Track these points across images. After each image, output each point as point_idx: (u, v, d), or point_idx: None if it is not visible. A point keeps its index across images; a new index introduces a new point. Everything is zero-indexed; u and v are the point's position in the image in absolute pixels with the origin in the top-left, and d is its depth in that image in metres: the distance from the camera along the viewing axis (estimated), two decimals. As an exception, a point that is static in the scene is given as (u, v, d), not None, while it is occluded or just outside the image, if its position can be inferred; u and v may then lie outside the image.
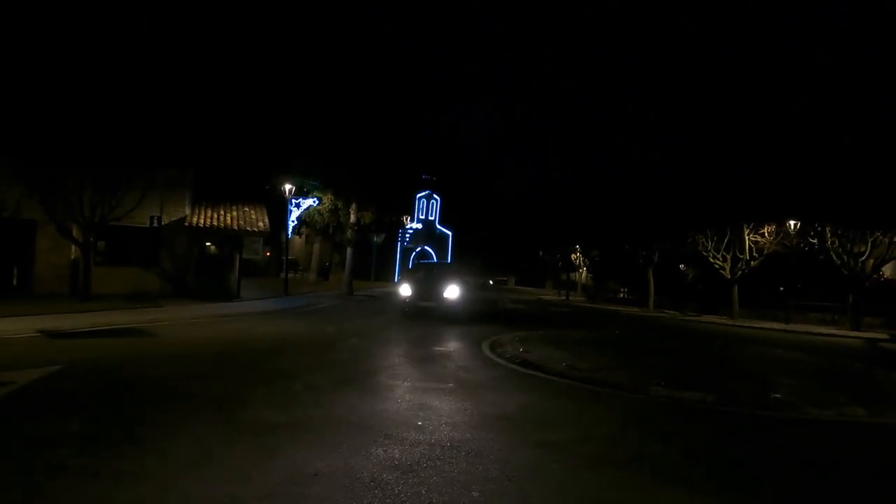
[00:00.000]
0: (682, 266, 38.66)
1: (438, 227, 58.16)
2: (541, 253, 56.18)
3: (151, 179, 19.03)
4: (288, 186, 25.51)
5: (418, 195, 56.15)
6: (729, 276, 28.47)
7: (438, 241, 57.94)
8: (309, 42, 31.47)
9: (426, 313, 16.61)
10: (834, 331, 23.04)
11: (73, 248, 18.14)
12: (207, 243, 21.96)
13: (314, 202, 28.56)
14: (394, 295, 21.04)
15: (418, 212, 56.46)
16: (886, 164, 22.85)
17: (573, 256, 48.87)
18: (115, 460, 4.67)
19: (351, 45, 32.69)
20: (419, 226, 55.88)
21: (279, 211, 26.47)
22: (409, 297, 17.10)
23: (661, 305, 34.74)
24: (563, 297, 46.08)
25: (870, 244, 23.44)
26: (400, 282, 18.00)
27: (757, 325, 24.61)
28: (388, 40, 51.86)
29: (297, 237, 38.73)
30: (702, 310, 32.30)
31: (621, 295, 44.82)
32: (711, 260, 29.52)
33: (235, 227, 21.53)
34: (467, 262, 55.04)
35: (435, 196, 57.56)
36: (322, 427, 5.81)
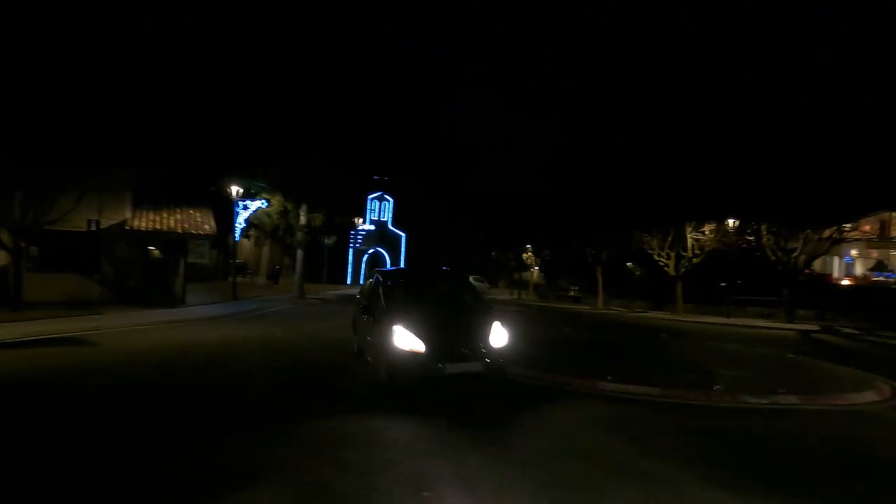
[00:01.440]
0: (629, 264, 39.76)
1: (391, 228, 57.96)
2: (494, 253, 56.80)
3: (89, 181, 18.16)
4: (235, 188, 24.89)
5: (370, 196, 55.83)
6: (673, 273, 29.49)
7: (391, 243, 57.74)
8: (257, 37, 30.81)
9: (458, 380, 7.98)
10: (770, 323, 24.17)
11: (2, 253, 17.15)
12: (150, 247, 21.18)
13: (263, 204, 27.94)
14: (333, 302, 20.02)
15: (370, 213, 56.13)
16: (815, 165, 24.13)
17: (525, 256, 49.59)
18: (42, 480, 4.45)
19: (306, 41, 32.17)
20: (371, 227, 55.52)
21: (226, 213, 25.77)
22: (423, 355, 7.62)
23: (610, 302, 35.65)
24: (516, 297, 46.70)
25: (801, 241, 24.72)
26: (382, 314, 8.43)
27: (700, 320, 25.56)
28: (351, 37, 51.28)
29: (245, 240, 37.81)
30: (648, 306, 33.32)
31: (572, 293, 45.72)
32: (656, 258, 30.50)
33: (180, 231, 20.85)
34: (421, 264, 54.99)
35: (387, 197, 57.35)
36: (273, 431, 5.69)
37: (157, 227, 20.52)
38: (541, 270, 51.46)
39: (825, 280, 34.22)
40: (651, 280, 36.15)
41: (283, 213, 29.45)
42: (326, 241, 38.58)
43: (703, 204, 28.05)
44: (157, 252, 21.35)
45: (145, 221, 20.56)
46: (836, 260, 36.63)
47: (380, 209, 57.04)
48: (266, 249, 37.92)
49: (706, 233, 28.93)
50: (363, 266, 54.79)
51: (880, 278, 33.06)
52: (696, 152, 29.81)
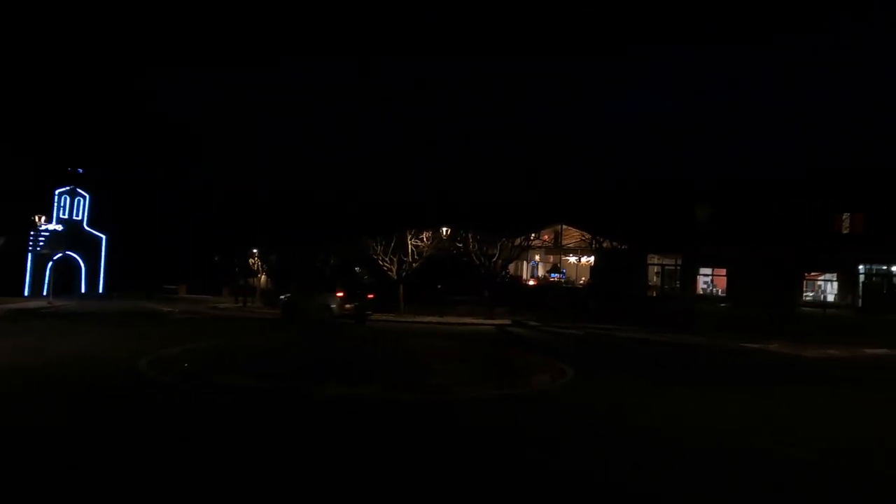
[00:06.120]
0: (357, 268, 41.02)
1: (88, 229, 49.55)
2: (216, 258, 52.83)
3: None
4: None
5: (59, 191, 46.91)
6: (395, 277, 31.49)
7: (88, 247, 49.38)
8: None
9: None
10: (475, 320, 27.60)
11: None
12: None
13: None
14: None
15: (59, 210, 47.15)
16: (506, 187, 28.69)
17: (251, 261, 47.33)
18: None
19: None
20: (59, 227, 46.58)
21: None
22: None
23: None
24: (241, 305, 44.20)
25: (499, 248, 29.06)
26: None
27: (419, 320, 27.78)
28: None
29: None
30: (375, 308, 34.85)
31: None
32: (381, 262, 32.19)
33: None
34: (130, 270, 48.24)
35: (81, 192, 48.88)
36: None
37: None
38: (268, 276, 49.71)
39: (518, 281, 40.43)
40: (377, 283, 37.89)
41: (-76, 207, 22.75)
42: (-7, 242, 30.96)
43: (422, 213, 30.84)
44: None
45: None
46: (525, 264, 43.64)
47: (72, 206, 48.25)
48: None
49: (424, 239, 31.63)
50: (48, 273, 45.64)
51: (555, 278, 40.49)
52: (408, 166, 32.56)
